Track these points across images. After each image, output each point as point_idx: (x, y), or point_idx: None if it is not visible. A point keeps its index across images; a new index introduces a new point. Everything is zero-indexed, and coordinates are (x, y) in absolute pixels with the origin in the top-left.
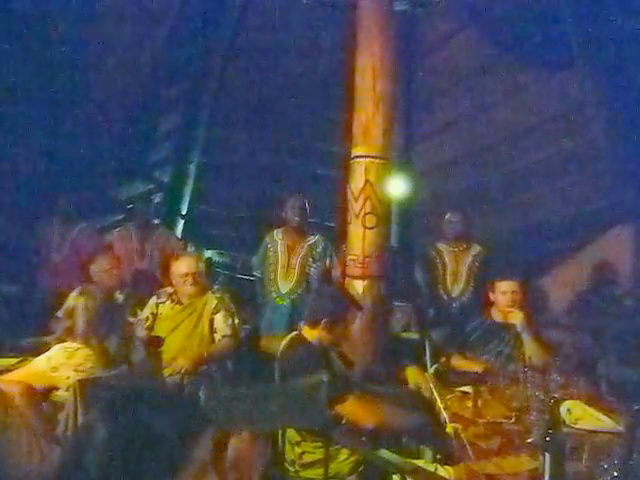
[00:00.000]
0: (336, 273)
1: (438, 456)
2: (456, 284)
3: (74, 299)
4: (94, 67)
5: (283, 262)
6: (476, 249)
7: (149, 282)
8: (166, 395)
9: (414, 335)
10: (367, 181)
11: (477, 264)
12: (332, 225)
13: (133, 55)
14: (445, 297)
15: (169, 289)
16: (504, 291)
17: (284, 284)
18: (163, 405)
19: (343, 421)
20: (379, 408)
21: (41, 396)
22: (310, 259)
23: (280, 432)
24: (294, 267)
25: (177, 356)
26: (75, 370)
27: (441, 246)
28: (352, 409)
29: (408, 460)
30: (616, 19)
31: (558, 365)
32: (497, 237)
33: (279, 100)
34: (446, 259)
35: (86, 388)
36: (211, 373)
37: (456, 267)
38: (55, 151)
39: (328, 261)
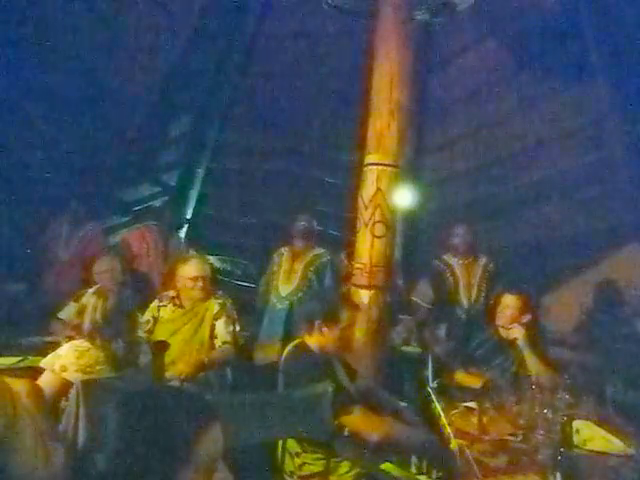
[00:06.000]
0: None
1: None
2: (468, 297)
3: (88, 298)
4: (108, 71)
5: (286, 267)
6: (482, 260)
7: (151, 285)
8: (176, 393)
9: (415, 349)
10: (378, 189)
11: (487, 275)
12: (337, 234)
13: (148, 60)
14: (458, 310)
15: (171, 292)
16: (508, 305)
17: (285, 287)
18: (174, 402)
19: (345, 432)
20: (384, 420)
21: (49, 395)
22: (312, 268)
23: (280, 442)
24: (296, 271)
25: (176, 361)
26: (83, 371)
27: (449, 259)
28: (356, 420)
29: (410, 474)
30: (635, 32)
31: (566, 383)
32: (506, 251)
33: (290, 107)
34: (457, 272)
35: (88, 389)
36: (210, 379)
37: (468, 279)
38: (65, 153)
39: (329, 277)
